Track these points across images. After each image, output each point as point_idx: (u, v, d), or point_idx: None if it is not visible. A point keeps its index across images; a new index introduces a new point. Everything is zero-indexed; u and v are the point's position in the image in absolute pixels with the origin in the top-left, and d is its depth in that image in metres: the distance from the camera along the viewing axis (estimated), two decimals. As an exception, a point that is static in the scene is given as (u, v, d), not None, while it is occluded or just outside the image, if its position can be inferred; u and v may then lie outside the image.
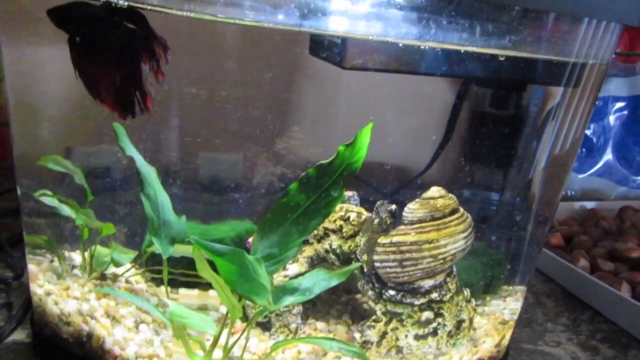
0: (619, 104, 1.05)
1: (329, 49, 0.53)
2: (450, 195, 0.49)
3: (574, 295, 0.74)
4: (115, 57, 0.40)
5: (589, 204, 0.98)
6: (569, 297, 0.73)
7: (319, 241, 0.52)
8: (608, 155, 1.06)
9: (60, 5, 0.38)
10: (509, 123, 0.62)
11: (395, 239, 0.47)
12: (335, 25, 0.42)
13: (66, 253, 0.54)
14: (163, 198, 0.44)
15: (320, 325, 0.52)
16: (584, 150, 1.06)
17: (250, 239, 0.55)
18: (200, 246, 0.36)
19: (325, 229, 0.52)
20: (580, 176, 1.06)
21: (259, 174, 0.65)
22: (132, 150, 0.44)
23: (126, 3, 0.36)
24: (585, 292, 0.72)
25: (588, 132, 1.05)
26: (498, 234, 0.62)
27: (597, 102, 1.06)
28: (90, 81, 0.41)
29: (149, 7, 0.37)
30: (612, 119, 1.05)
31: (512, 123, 0.62)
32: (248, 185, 0.64)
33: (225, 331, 0.44)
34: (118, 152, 0.54)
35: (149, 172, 0.44)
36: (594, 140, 1.06)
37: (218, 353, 0.44)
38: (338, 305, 0.56)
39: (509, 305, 0.58)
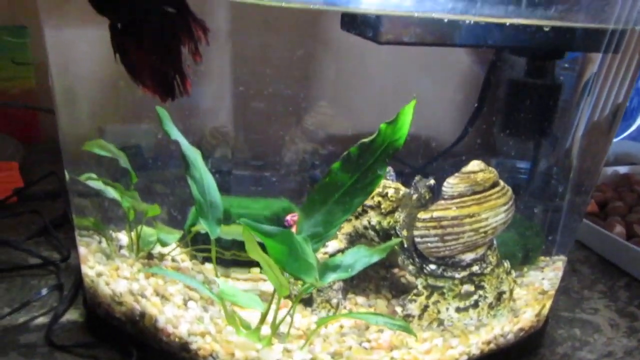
0: (654, 65, 1.02)
1: (362, 24, 0.52)
2: (490, 168, 0.48)
3: (610, 262, 0.73)
4: (154, 41, 0.40)
5: (622, 169, 0.96)
6: (605, 264, 0.73)
7: (357, 218, 0.53)
8: (642, 118, 1.03)
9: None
10: (545, 91, 0.61)
11: (435, 214, 0.48)
12: (378, 3, 0.41)
13: (112, 234, 0.56)
14: (209, 180, 0.45)
15: (361, 299, 0.54)
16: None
17: (288, 217, 0.57)
18: (250, 228, 0.37)
19: (364, 205, 0.53)
20: (613, 140, 1.04)
21: (289, 151, 0.65)
22: (177, 134, 0.45)
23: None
24: (622, 258, 0.72)
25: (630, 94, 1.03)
26: (536, 205, 0.61)
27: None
28: (132, 66, 0.41)
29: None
30: (646, 80, 1.02)
31: (549, 91, 0.61)
32: (280, 162, 0.65)
33: (272, 308, 0.45)
34: (159, 132, 0.55)
35: (195, 155, 0.45)
36: (627, 103, 1.04)
37: (265, 330, 0.46)
38: (377, 279, 0.56)
39: (547, 275, 0.58)
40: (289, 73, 0.63)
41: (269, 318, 0.45)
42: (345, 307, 0.52)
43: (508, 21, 0.39)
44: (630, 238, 0.74)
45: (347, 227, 0.53)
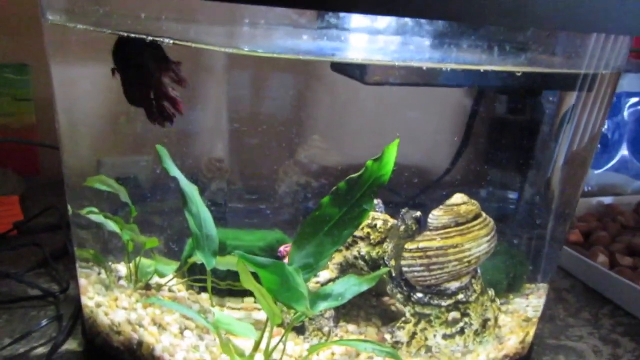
0: (633, 100, 1.06)
1: (350, 67, 0.55)
2: (472, 201, 0.51)
3: (594, 290, 0.76)
4: (139, 78, 0.45)
5: (606, 199, 0.99)
6: (590, 292, 0.75)
7: (347, 248, 0.55)
8: (623, 151, 1.07)
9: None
10: (525, 126, 0.64)
11: (421, 245, 0.50)
12: (360, 53, 0.45)
13: (111, 265, 0.58)
14: (205, 214, 0.48)
15: (351, 327, 0.55)
16: (599, 146, 1.08)
17: (281, 248, 0.59)
18: (244, 259, 0.39)
19: (354, 236, 0.55)
20: (597, 172, 1.08)
21: (283, 184, 0.68)
22: (175, 171, 0.47)
23: (171, 42, 0.40)
24: (605, 287, 0.74)
25: (603, 128, 1.07)
26: (519, 234, 0.64)
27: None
28: (138, 102, 0.45)
29: (193, 45, 0.40)
30: (626, 114, 1.07)
31: (528, 126, 0.64)
32: (273, 195, 0.68)
33: (266, 336, 0.47)
34: (156, 165, 0.58)
35: (192, 190, 0.47)
36: (609, 135, 1.08)
37: (258, 357, 0.47)
38: (367, 308, 0.58)
39: (531, 302, 0.60)
40: (283, 110, 0.66)
41: (262, 346, 0.47)
42: (336, 335, 0.54)
43: (482, 68, 0.43)
44: (613, 267, 0.77)
45: (337, 257, 0.55)
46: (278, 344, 0.47)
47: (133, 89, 0.46)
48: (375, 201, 0.58)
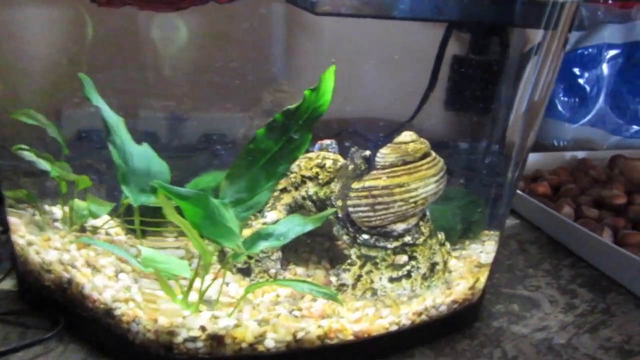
0: (613, 52, 1.03)
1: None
2: (421, 139, 0.49)
3: (558, 242, 0.74)
4: None
5: (580, 154, 0.97)
6: (554, 245, 0.74)
7: (296, 189, 0.53)
8: (601, 104, 1.05)
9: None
10: (488, 68, 0.61)
11: (367, 184, 0.48)
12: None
13: (47, 207, 0.55)
14: (131, 147, 0.45)
15: (300, 270, 0.54)
16: (576, 99, 1.05)
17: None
18: (165, 190, 0.37)
19: (302, 176, 0.53)
20: (573, 126, 1.05)
21: (244, 127, 0.65)
22: (97, 100, 0.44)
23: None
24: (569, 238, 0.73)
25: (581, 80, 1.04)
26: (477, 180, 0.62)
27: (591, 50, 1.04)
28: None
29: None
30: (605, 67, 1.03)
31: (491, 68, 0.61)
32: (234, 138, 0.65)
33: (208, 277, 0.45)
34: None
35: (116, 121, 0.44)
36: (587, 89, 1.05)
37: (195, 296, 0.45)
38: (319, 251, 0.57)
39: (486, 249, 0.59)
40: (246, 51, 0.62)
41: (199, 285, 0.45)
42: (284, 277, 0.52)
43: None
44: (578, 219, 0.75)
45: (286, 198, 0.53)
46: (212, 282, 0.45)
47: None
48: (329, 141, 0.55)
